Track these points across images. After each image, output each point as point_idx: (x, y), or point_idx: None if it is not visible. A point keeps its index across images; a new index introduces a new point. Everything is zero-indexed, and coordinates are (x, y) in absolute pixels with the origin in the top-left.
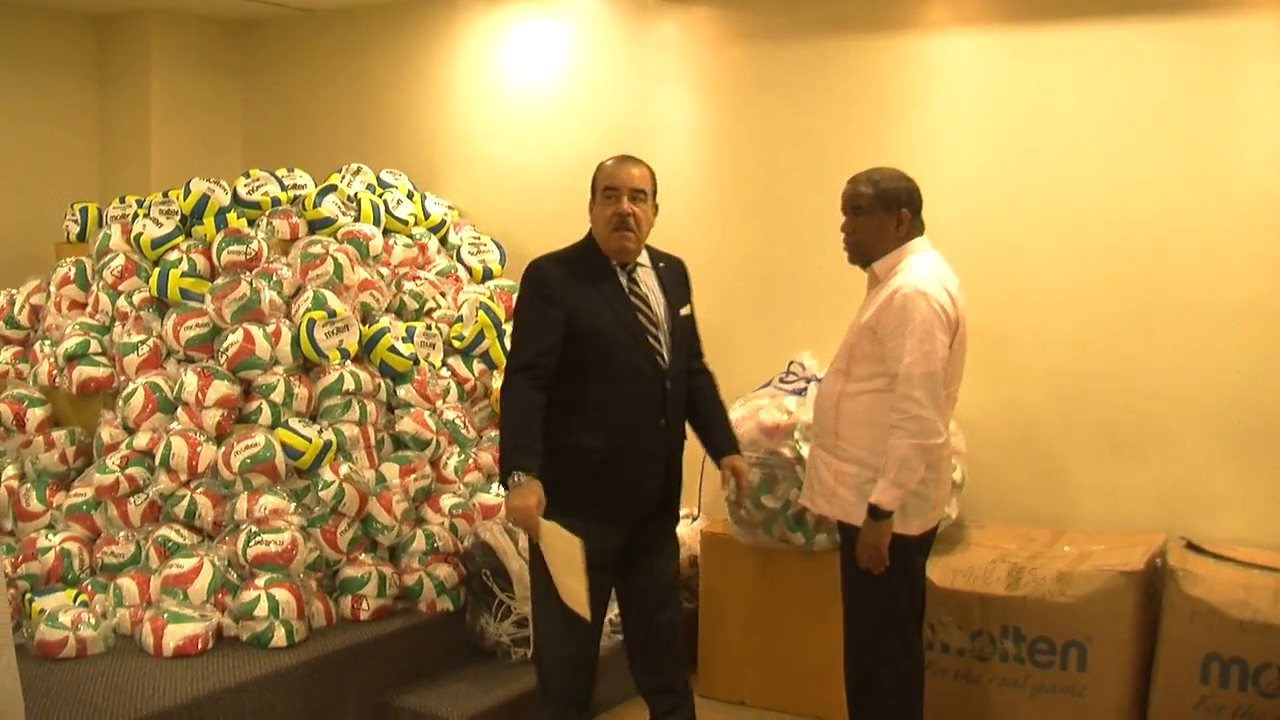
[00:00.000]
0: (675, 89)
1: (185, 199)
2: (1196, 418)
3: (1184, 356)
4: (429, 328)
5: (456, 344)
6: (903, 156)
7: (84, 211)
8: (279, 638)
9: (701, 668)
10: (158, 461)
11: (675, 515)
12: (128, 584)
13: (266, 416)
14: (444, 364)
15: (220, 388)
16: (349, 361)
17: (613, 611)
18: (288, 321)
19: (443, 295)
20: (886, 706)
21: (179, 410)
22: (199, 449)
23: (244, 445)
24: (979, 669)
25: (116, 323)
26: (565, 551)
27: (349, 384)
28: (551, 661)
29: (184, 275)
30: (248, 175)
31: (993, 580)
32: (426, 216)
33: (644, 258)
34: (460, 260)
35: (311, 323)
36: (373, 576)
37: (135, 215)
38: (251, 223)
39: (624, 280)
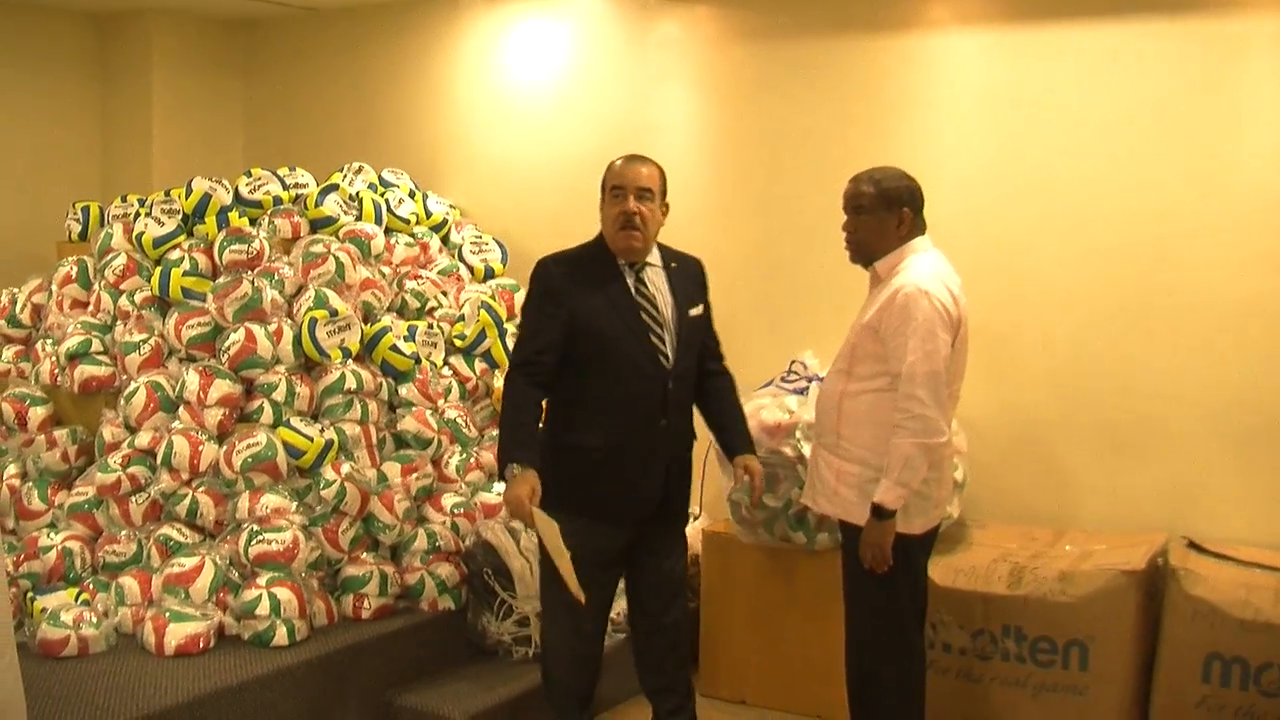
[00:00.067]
0: (676, 88)
1: (187, 198)
2: (1197, 417)
3: (1184, 356)
4: (431, 327)
5: (458, 343)
6: (904, 155)
7: (86, 210)
8: (280, 637)
9: (703, 667)
10: (159, 460)
11: (681, 516)
12: (129, 583)
13: (268, 415)
14: (446, 363)
15: (222, 387)
16: (351, 360)
17: (616, 610)
18: (289, 320)
19: (444, 294)
20: (888, 706)
21: (181, 409)
22: (201, 448)
23: (246, 444)
24: (980, 668)
25: (118, 322)
26: (551, 538)
27: (351, 383)
28: (556, 658)
29: (186, 274)
30: (249, 174)
31: (994, 579)
32: (428, 215)
33: (654, 257)
34: (462, 259)
35: (313, 322)
36: (374, 575)
37: (137, 214)
38: (253, 222)
39: (631, 280)
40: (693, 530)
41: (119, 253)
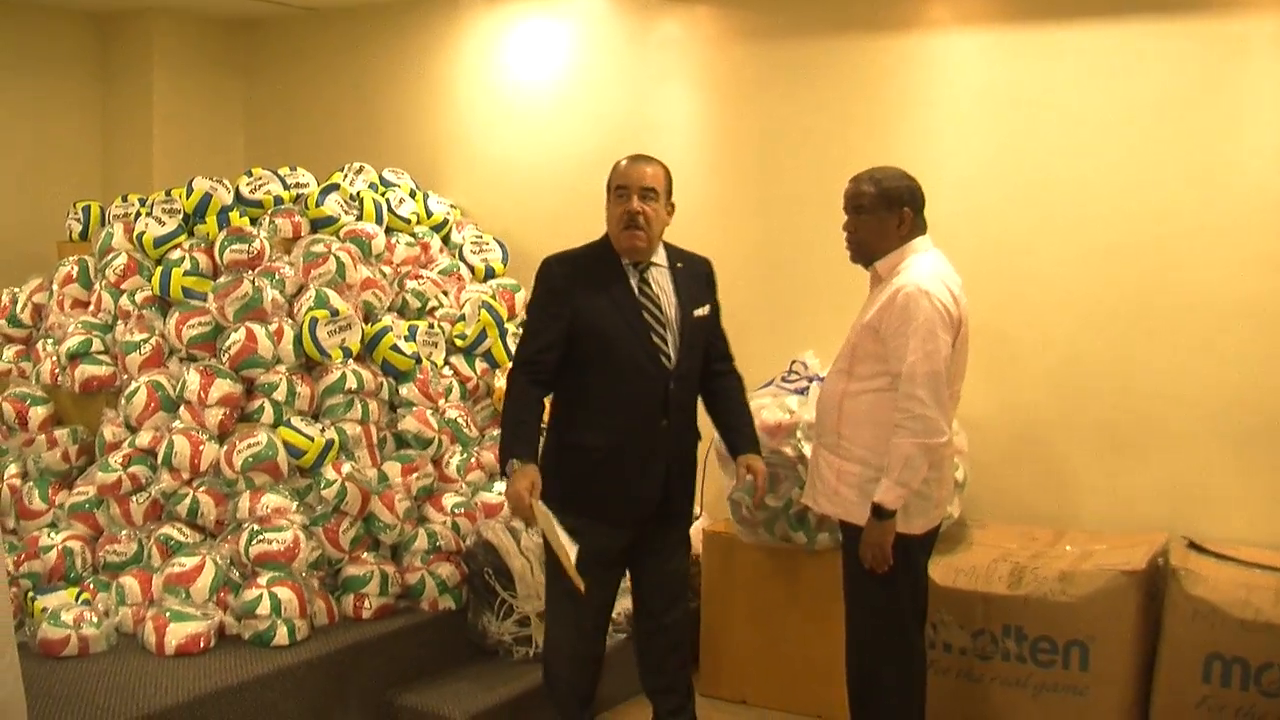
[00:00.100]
0: (676, 88)
1: (188, 197)
2: (1197, 417)
3: (1184, 356)
4: (431, 326)
5: (459, 343)
6: (904, 155)
7: (86, 210)
8: (281, 636)
9: (704, 666)
10: (160, 460)
11: (683, 517)
12: (130, 582)
13: (269, 415)
14: (446, 363)
15: (223, 386)
16: (351, 360)
17: (618, 609)
18: (290, 320)
19: (445, 294)
20: (888, 706)
21: (181, 409)
22: (201, 447)
23: (246, 444)
24: (981, 668)
25: (119, 321)
26: (550, 529)
27: (351, 383)
28: (557, 656)
29: (186, 274)
30: (250, 174)
31: (994, 579)
32: (429, 215)
33: (660, 257)
34: (462, 259)
35: (314, 321)
36: (375, 575)
37: (138, 214)
38: (254, 221)
39: (634, 280)
40: (693, 530)
41: (120, 252)
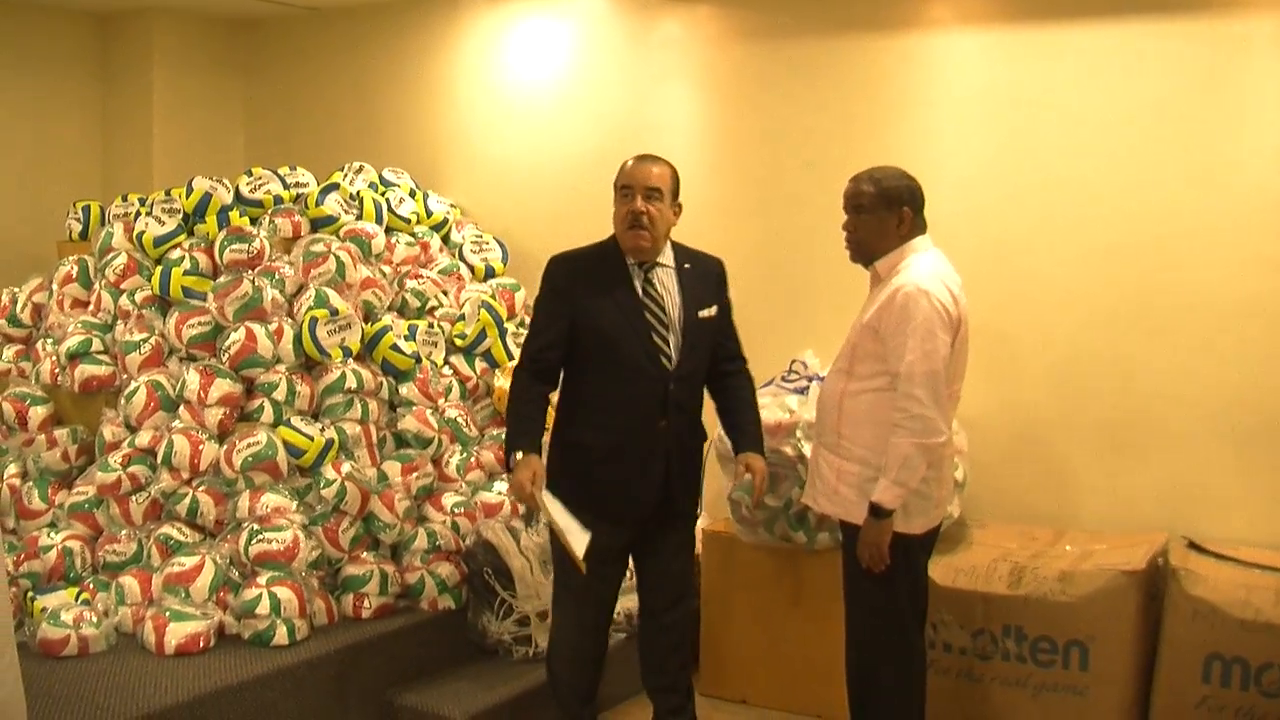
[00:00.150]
0: (677, 87)
1: (187, 197)
2: (1197, 417)
3: (1184, 356)
4: (431, 326)
5: (459, 342)
6: (904, 155)
7: (86, 210)
8: (281, 636)
9: (704, 666)
10: (160, 460)
11: (685, 516)
12: (129, 582)
13: (268, 415)
14: (446, 362)
15: (222, 386)
16: (351, 360)
17: (620, 609)
18: (290, 320)
19: (445, 293)
20: (888, 705)
21: (181, 408)
22: (201, 447)
23: (246, 443)
24: (981, 668)
25: (119, 321)
26: (553, 516)
27: (351, 382)
28: (559, 653)
29: (186, 273)
30: (250, 173)
31: (994, 579)
32: (429, 215)
33: (666, 257)
34: (462, 258)
35: (314, 321)
36: (374, 575)
37: (137, 213)
38: (254, 221)
39: (639, 280)
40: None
41: (119, 252)
